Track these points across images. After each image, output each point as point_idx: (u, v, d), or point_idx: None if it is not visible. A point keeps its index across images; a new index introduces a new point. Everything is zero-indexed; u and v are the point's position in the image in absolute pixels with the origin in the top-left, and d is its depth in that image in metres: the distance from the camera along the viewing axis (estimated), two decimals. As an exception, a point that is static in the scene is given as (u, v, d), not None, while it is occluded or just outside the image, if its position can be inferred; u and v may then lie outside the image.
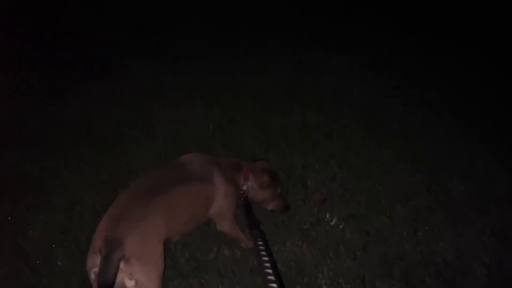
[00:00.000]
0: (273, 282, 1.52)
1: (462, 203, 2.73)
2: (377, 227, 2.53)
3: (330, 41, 4.69)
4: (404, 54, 4.49)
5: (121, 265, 1.47)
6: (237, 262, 2.31)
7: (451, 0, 5.63)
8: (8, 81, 3.92)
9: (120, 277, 1.47)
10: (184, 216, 1.90)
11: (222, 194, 2.07)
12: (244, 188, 2.26)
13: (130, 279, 1.51)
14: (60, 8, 5.31)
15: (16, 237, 2.43)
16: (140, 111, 3.52)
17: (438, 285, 2.24)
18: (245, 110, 3.52)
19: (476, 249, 2.44)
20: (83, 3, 5.55)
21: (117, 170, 2.88)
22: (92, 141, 3.15)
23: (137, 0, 5.63)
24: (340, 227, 2.52)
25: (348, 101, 3.69)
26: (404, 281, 2.24)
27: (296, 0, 5.70)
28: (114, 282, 1.43)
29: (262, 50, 4.49)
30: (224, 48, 4.54)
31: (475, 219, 2.62)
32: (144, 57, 4.32)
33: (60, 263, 2.28)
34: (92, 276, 1.52)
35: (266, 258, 1.52)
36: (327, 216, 2.57)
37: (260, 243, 1.64)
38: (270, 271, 1.53)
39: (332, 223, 2.54)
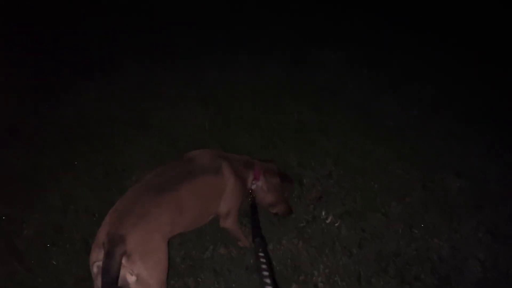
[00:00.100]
0: None
1: (457, 200, 2.74)
2: (373, 224, 2.54)
3: (326, 39, 4.69)
4: (400, 51, 4.50)
5: (123, 260, 1.48)
6: (233, 261, 2.31)
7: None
8: (3, 80, 3.89)
9: (122, 272, 1.48)
10: (192, 212, 1.88)
11: (231, 187, 2.05)
12: (253, 187, 2.23)
13: (132, 275, 1.52)
14: (55, 7, 5.28)
15: (11, 236, 2.42)
16: (135, 110, 3.50)
17: (434, 281, 2.25)
18: (240, 108, 3.51)
19: (471, 246, 2.45)
20: (79, 2, 5.52)
21: (112, 169, 2.87)
22: (87, 140, 3.13)
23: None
24: (336, 224, 2.52)
25: (344, 99, 3.70)
26: (400, 278, 2.25)
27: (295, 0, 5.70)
28: (117, 277, 1.44)
29: (258, 48, 4.48)
30: (219, 46, 4.52)
31: (470, 215, 2.63)
32: (139, 55, 4.30)
33: (55, 263, 2.28)
34: (95, 269, 1.53)
35: (266, 273, 1.48)
36: (323, 213, 2.58)
37: (261, 254, 1.60)
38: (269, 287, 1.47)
39: (327, 221, 2.54)
